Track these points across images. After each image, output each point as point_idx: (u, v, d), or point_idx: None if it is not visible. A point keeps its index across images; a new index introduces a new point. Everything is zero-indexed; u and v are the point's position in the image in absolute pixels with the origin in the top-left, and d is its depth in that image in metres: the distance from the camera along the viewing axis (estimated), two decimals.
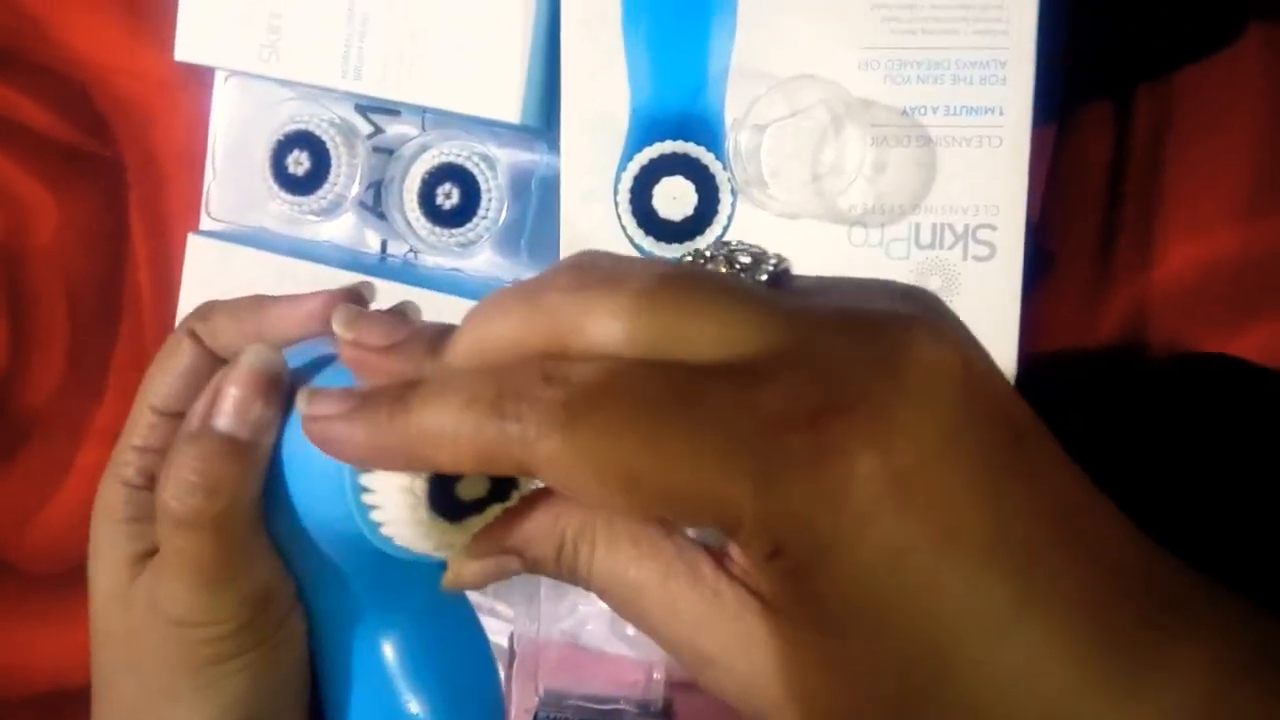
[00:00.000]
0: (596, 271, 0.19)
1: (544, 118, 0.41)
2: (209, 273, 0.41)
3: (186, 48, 0.40)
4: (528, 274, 0.44)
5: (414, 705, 0.26)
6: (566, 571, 0.21)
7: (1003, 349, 0.37)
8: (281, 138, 0.42)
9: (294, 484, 0.24)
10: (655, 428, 0.17)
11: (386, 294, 0.40)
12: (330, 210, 0.43)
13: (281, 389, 0.24)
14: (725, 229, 0.37)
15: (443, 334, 0.21)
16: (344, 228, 0.45)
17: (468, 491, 0.22)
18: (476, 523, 0.22)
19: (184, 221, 0.47)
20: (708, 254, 0.21)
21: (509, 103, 0.39)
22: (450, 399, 0.19)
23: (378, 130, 0.44)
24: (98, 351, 0.48)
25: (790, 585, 0.18)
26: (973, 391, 0.18)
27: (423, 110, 0.43)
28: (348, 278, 0.40)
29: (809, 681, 0.19)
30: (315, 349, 0.25)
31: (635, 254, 0.38)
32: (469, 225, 0.42)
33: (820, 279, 0.20)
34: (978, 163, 0.37)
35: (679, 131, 0.37)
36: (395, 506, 0.21)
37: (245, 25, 0.39)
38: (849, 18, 0.36)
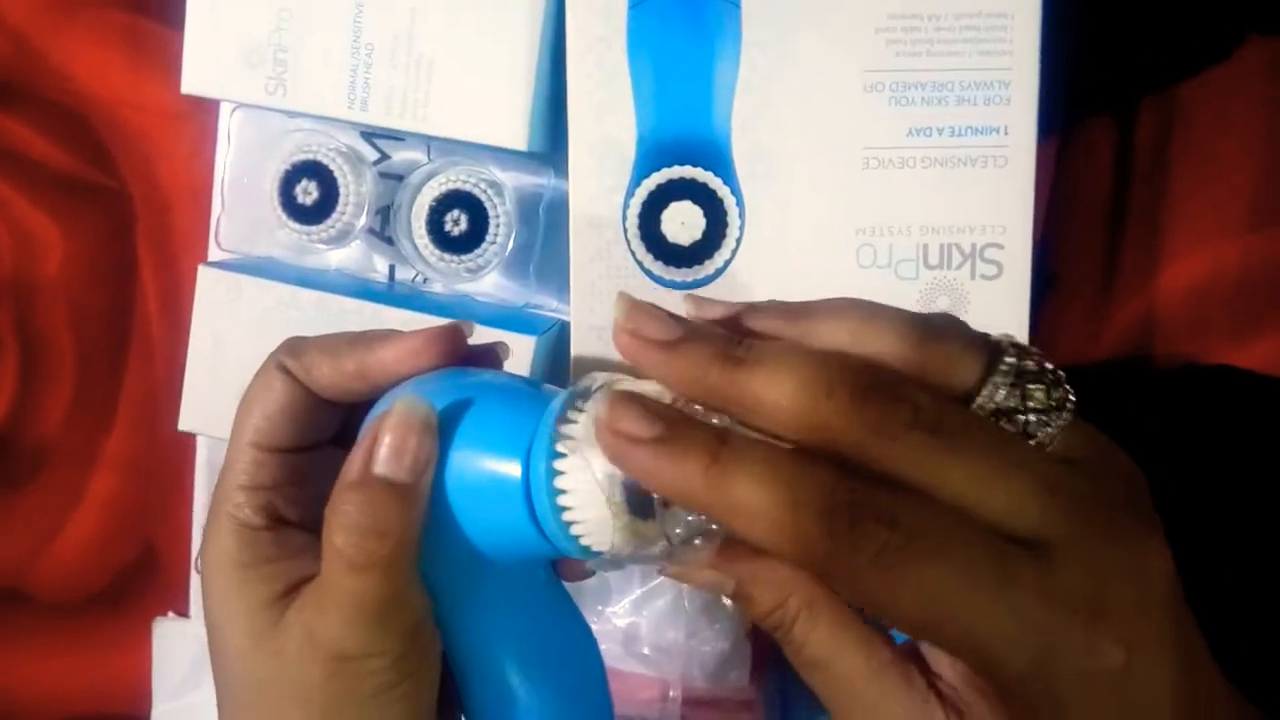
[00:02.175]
0: (898, 399, 0.22)
1: (550, 143, 0.41)
2: (220, 303, 0.41)
3: (193, 81, 0.40)
4: (537, 298, 0.44)
5: (535, 704, 0.27)
6: (773, 626, 0.24)
7: None
8: (289, 168, 0.42)
9: (462, 511, 0.25)
10: (973, 597, 0.21)
11: (396, 320, 0.41)
12: (339, 238, 0.43)
13: (434, 431, 0.25)
14: (734, 253, 0.37)
15: (732, 349, 0.22)
16: (352, 253, 0.45)
17: None
18: (667, 516, 0.23)
19: (191, 251, 0.47)
20: (1028, 373, 0.23)
21: (515, 131, 0.39)
22: (777, 488, 0.21)
23: (384, 156, 0.44)
24: (106, 381, 0.48)
25: (1013, 715, 0.22)
26: (1177, 600, 0.22)
27: (427, 136, 0.43)
28: (356, 305, 0.41)
29: None
30: (427, 383, 0.26)
31: (645, 280, 0.38)
32: (477, 251, 0.42)
33: (1068, 444, 0.23)
34: (984, 182, 0.37)
35: (686, 156, 0.37)
36: (599, 519, 0.23)
37: (252, 58, 0.39)
38: (853, 41, 0.37)
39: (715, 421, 0.23)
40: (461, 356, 0.28)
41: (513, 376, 0.28)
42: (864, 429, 0.21)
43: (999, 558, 0.21)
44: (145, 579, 0.49)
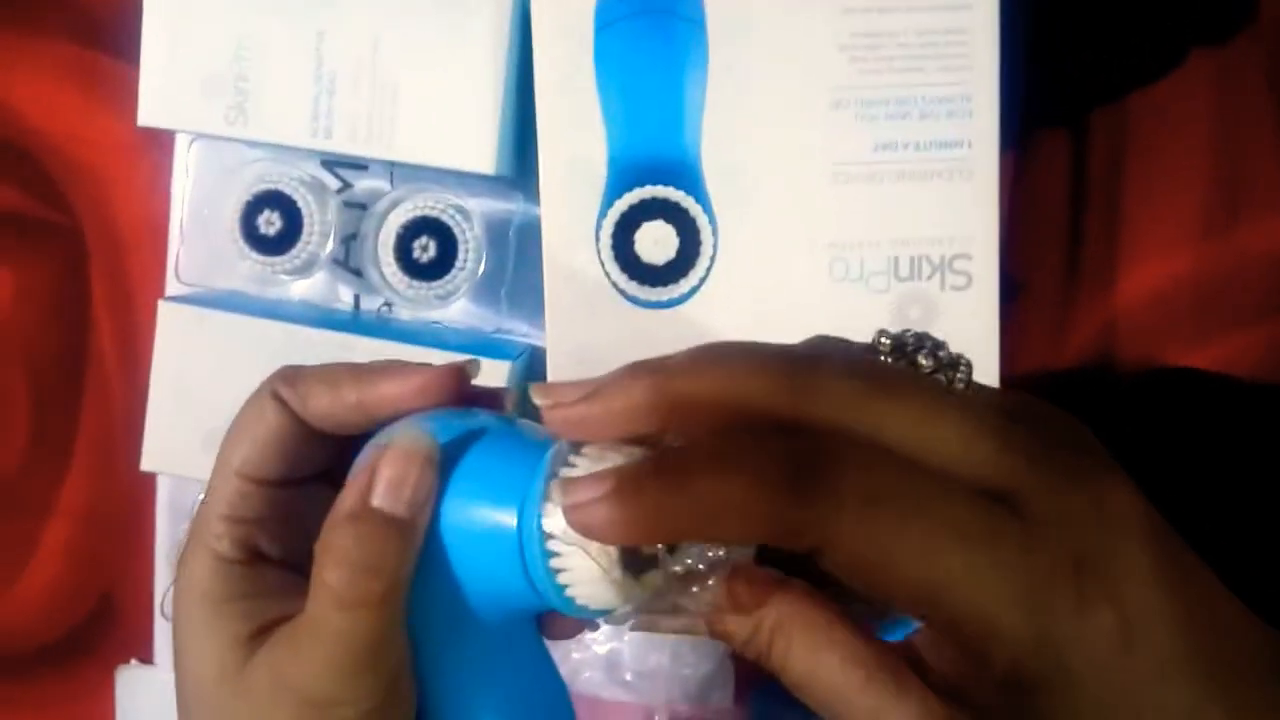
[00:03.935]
0: (830, 360, 0.21)
1: (517, 166, 0.41)
2: (182, 338, 0.40)
3: (150, 113, 0.39)
4: (508, 323, 0.44)
5: None
6: (755, 655, 0.23)
7: (984, 375, 0.38)
8: (251, 198, 0.41)
9: (453, 557, 0.24)
10: (968, 554, 0.20)
11: (363, 350, 0.40)
12: (303, 269, 0.42)
13: (435, 466, 0.24)
14: (708, 271, 0.38)
15: (653, 364, 0.22)
16: (316, 284, 0.44)
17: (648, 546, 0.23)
18: (657, 576, 0.22)
19: (147, 288, 0.46)
20: (907, 345, 0.23)
21: (483, 154, 0.39)
22: (735, 474, 0.20)
23: (346, 185, 0.44)
24: (62, 425, 0.47)
25: (1017, 699, 0.21)
26: (1156, 530, 0.21)
27: (391, 163, 0.42)
28: (321, 336, 0.40)
29: None
30: (424, 421, 0.25)
31: (620, 300, 0.38)
32: (447, 277, 0.42)
33: (997, 403, 0.22)
34: (950, 195, 0.37)
35: (658, 176, 0.37)
36: (589, 570, 0.22)
37: (211, 88, 0.39)
38: (818, 60, 0.37)
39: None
40: (466, 397, 0.27)
41: (516, 421, 0.27)
42: (796, 392, 0.21)
43: (981, 510, 0.20)
44: (106, 627, 0.47)
